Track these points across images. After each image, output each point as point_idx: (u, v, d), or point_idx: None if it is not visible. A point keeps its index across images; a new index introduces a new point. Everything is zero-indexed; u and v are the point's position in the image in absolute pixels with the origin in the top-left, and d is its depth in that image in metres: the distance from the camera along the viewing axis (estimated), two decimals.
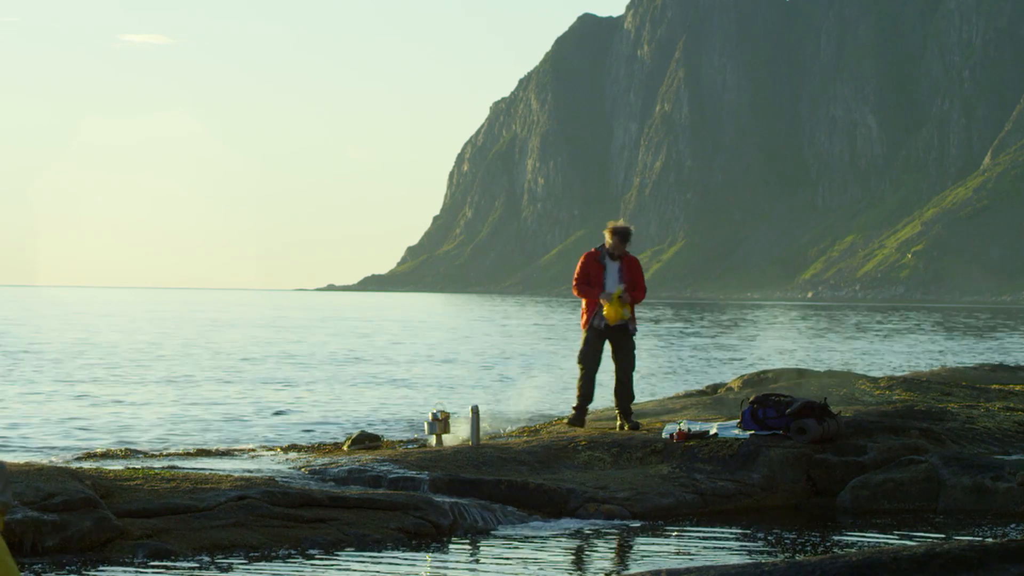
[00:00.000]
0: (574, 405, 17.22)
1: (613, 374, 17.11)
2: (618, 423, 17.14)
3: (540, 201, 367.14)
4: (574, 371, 17.54)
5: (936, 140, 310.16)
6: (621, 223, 17.06)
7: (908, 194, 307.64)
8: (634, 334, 17.03)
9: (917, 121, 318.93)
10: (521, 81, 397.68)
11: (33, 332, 64.51)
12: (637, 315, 17.33)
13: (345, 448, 17.67)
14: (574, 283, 17.08)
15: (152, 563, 11.40)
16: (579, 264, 17.11)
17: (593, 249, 17.11)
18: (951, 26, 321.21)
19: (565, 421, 17.57)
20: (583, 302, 17.02)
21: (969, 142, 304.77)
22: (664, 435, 16.17)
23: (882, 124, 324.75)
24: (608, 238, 16.98)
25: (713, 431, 16.15)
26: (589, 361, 16.99)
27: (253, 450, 18.65)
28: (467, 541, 12.79)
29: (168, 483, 13.10)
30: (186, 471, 14.16)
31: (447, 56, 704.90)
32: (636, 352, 17.22)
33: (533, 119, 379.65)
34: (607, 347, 17.06)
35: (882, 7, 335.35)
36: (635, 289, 16.92)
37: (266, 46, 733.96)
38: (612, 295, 16.81)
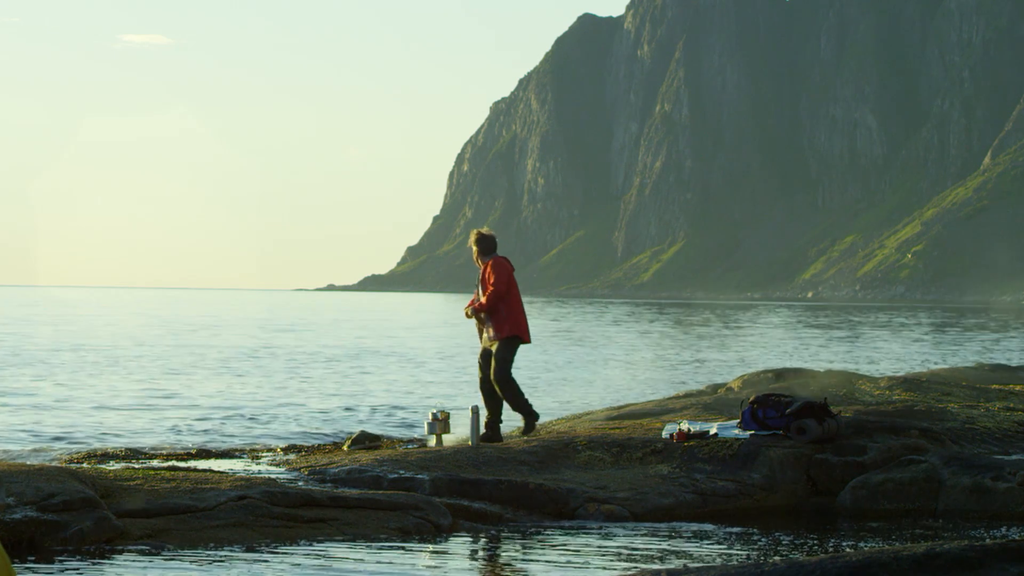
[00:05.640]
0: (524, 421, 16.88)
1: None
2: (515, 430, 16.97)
3: (540, 201, 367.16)
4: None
5: (936, 140, 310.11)
6: (479, 232, 16.81)
7: (908, 194, 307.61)
8: (493, 341, 16.65)
9: (917, 121, 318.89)
10: (521, 81, 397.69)
11: (45, 333, 64.50)
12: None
13: (345, 448, 17.68)
14: None
15: (152, 563, 11.39)
16: None
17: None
18: (951, 26, 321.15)
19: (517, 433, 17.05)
20: None
21: (969, 142, 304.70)
22: (664, 435, 16.16)
23: (882, 124, 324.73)
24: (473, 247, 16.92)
25: (713, 431, 16.14)
26: (480, 379, 16.82)
27: (253, 450, 18.66)
28: (467, 541, 12.79)
29: (168, 483, 13.10)
30: (186, 471, 14.16)
31: (447, 56, 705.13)
32: (503, 358, 16.64)
33: (533, 119, 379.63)
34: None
35: (882, 7, 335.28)
36: (484, 295, 16.66)
37: (266, 46, 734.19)
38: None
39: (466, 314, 16.90)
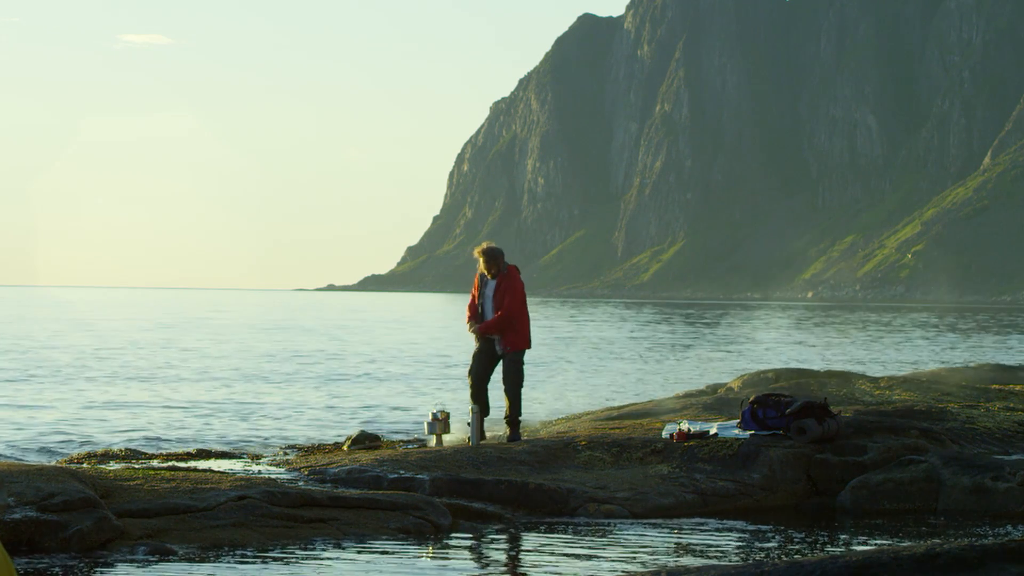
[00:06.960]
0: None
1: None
2: (504, 432, 16.91)
3: (540, 201, 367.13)
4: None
5: (936, 140, 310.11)
6: (486, 244, 16.74)
7: (908, 194, 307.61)
8: (503, 354, 16.63)
9: (917, 121, 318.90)
10: (521, 81, 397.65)
11: (43, 334, 64.53)
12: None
13: (345, 448, 17.69)
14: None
15: (152, 563, 11.39)
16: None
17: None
18: (951, 26, 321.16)
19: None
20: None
21: (969, 142, 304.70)
22: (664, 435, 16.17)
23: (882, 124, 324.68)
24: (479, 259, 16.75)
25: (713, 431, 16.15)
26: (473, 374, 16.77)
27: (253, 451, 18.68)
28: (467, 541, 12.78)
29: (168, 483, 13.10)
30: (186, 471, 14.16)
31: (447, 56, 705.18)
32: (522, 368, 16.72)
33: (533, 119, 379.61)
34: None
35: (882, 7, 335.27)
36: (499, 308, 16.51)
37: (266, 46, 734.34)
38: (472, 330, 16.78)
39: (470, 329, 16.74)
